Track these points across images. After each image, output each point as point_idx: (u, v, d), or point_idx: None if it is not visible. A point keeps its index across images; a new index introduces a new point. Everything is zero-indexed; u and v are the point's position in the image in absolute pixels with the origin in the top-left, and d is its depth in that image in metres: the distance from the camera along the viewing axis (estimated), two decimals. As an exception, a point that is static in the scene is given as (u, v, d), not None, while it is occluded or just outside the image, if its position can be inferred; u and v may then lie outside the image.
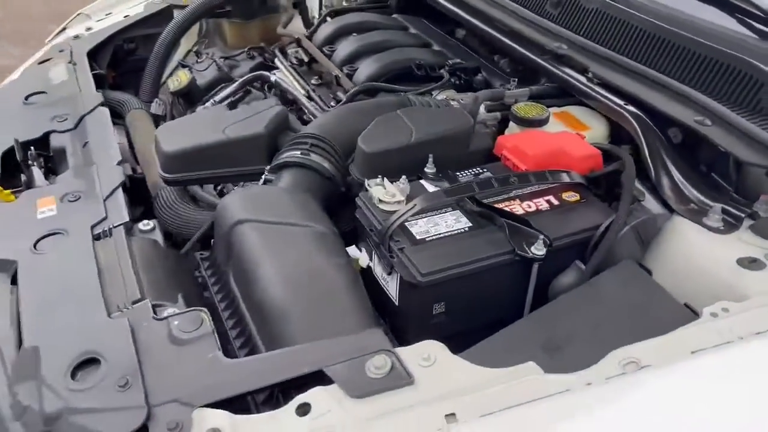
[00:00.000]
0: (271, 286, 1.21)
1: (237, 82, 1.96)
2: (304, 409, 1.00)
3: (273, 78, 1.89)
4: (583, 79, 1.62)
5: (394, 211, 1.29)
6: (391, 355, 1.06)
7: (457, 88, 1.84)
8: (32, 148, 1.62)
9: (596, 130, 1.57)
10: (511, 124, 1.59)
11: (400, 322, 1.30)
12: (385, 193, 1.32)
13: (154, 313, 1.15)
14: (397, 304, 1.29)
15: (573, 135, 1.48)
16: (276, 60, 2.09)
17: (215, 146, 1.53)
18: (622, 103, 1.50)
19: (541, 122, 1.54)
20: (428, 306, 1.23)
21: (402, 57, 1.90)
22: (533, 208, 1.33)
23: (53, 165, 1.66)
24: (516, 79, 1.74)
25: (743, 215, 1.27)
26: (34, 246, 1.32)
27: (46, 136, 1.69)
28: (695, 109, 1.43)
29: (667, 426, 0.92)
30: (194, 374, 1.06)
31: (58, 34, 2.34)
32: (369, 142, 1.47)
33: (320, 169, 1.49)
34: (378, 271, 1.33)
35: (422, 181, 1.40)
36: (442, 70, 1.83)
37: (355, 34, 2.03)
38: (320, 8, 2.37)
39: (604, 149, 1.43)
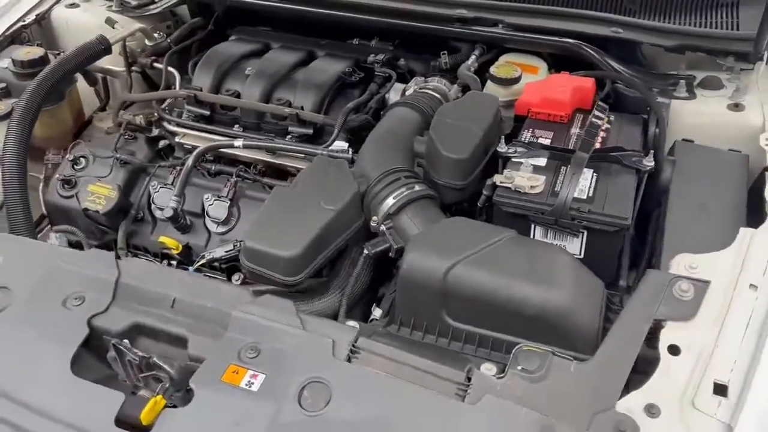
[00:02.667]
0: (538, 298, 1.33)
1: (187, 165, 1.68)
2: (650, 411, 1.14)
3: (238, 143, 1.70)
4: (505, 30, 1.92)
5: (539, 193, 1.49)
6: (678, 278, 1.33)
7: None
8: (124, 341, 1.24)
9: (542, 68, 1.93)
10: (489, 85, 1.83)
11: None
12: (528, 180, 1.50)
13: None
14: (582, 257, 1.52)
15: (561, 75, 1.82)
16: (169, 125, 1.84)
17: (328, 225, 1.43)
18: (556, 38, 1.88)
19: (519, 78, 1.82)
20: (621, 242, 1.50)
21: (325, 74, 1.90)
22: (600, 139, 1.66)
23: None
24: (445, 52, 1.94)
25: (690, 82, 1.83)
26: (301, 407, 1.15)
27: (90, 324, 1.30)
28: (604, 24, 1.90)
29: None
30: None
31: None
32: (455, 150, 1.57)
33: (428, 194, 1.55)
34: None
35: (520, 158, 1.58)
36: (383, 68, 1.92)
37: (250, 68, 1.91)
38: (126, 57, 2.05)
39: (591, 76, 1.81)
